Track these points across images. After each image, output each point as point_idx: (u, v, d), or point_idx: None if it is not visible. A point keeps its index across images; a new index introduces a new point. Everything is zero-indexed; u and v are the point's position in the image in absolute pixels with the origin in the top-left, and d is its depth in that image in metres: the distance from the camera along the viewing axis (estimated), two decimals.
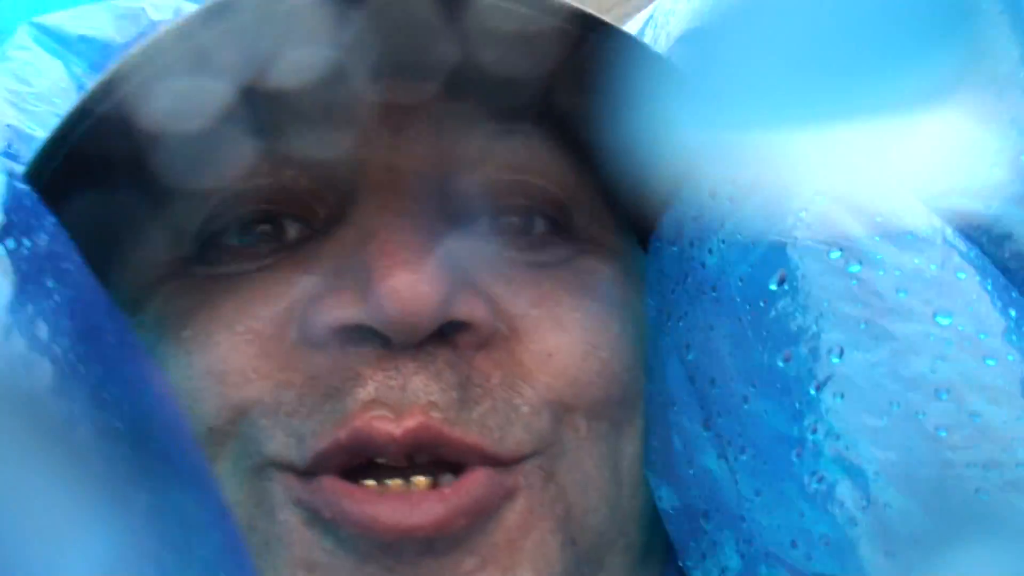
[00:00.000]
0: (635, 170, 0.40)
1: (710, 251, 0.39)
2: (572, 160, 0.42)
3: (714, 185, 0.40)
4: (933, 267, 0.36)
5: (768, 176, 0.39)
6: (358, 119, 0.38)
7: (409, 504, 0.36)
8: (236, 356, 0.37)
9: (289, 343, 0.37)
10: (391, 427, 0.35)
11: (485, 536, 0.36)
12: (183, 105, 0.35)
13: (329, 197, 0.39)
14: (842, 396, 0.35)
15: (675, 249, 0.40)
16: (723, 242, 0.39)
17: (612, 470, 0.40)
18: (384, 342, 0.36)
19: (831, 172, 0.38)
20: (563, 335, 0.39)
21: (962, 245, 0.37)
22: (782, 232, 0.38)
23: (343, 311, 0.36)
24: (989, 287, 0.36)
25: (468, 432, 0.37)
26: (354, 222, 0.39)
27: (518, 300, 0.39)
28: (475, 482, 0.37)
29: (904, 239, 0.37)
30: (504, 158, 0.41)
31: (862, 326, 0.36)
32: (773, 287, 0.37)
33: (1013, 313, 0.36)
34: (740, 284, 0.38)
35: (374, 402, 0.36)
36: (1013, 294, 0.36)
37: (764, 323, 0.37)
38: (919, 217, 0.37)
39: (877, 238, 0.37)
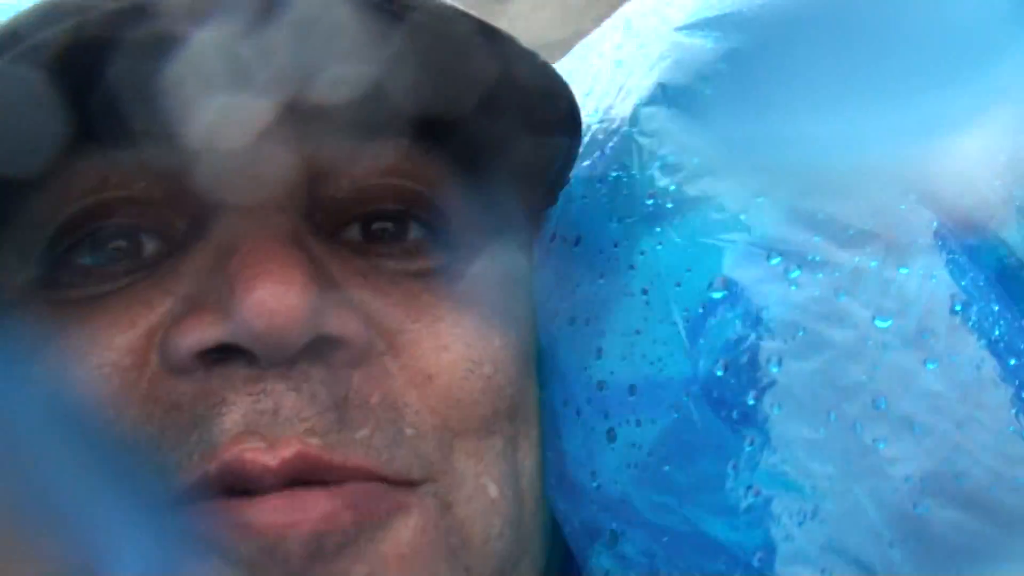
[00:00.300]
0: (517, 170, 0.38)
1: (642, 253, 0.37)
2: (446, 161, 0.39)
3: (653, 187, 0.38)
4: (873, 264, 0.34)
5: (710, 178, 0.38)
6: (216, 124, 0.35)
7: (291, 502, 0.33)
8: (92, 396, 0.35)
9: (151, 372, 0.35)
10: (266, 458, 0.33)
11: (375, 544, 0.34)
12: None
13: (187, 208, 0.37)
14: (780, 407, 0.34)
15: (581, 249, 0.39)
16: (660, 244, 0.38)
17: (514, 489, 0.38)
18: (251, 362, 0.34)
19: (774, 172, 0.37)
20: (443, 354, 0.37)
21: (909, 238, 0.35)
22: (722, 236, 0.37)
23: (205, 332, 0.34)
24: (934, 280, 0.34)
25: (351, 455, 0.34)
26: (214, 235, 0.36)
27: (394, 313, 0.37)
28: (364, 487, 0.34)
29: (845, 235, 0.35)
30: (374, 161, 0.38)
31: (800, 333, 0.34)
32: (715, 295, 0.36)
33: (959, 308, 0.34)
34: (677, 288, 0.37)
35: (244, 433, 0.33)
36: (963, 283, 0.34)
37: (702, 330, 0.36)
38: (865, 212, 0.35)
39: (817, 238, 0.35)
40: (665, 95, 0.40)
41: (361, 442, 0.34)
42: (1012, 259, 0.35)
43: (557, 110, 0.38)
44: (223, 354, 0.34)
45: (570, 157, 0.40)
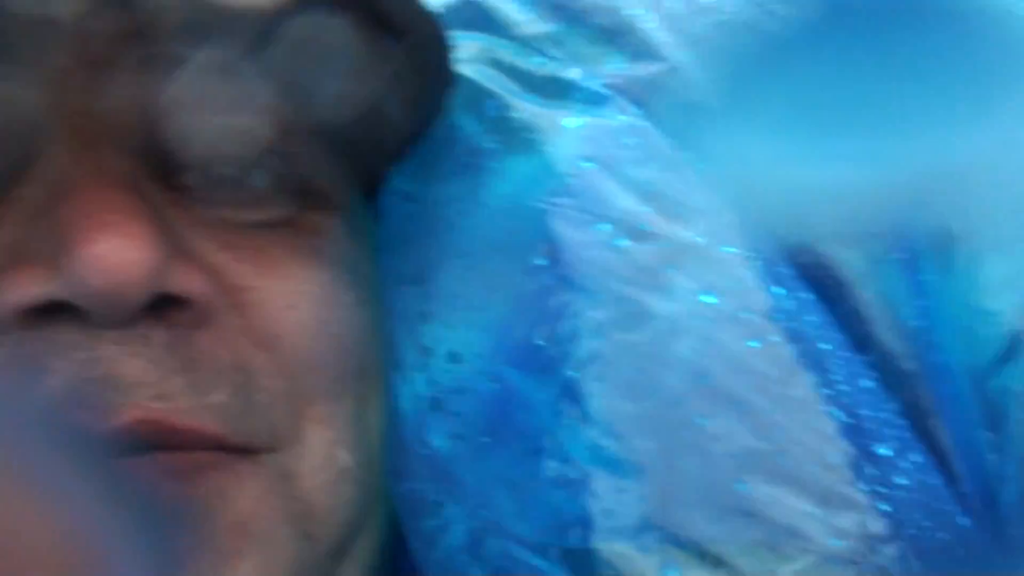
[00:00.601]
0: (367, 116, 0.36)
1: (464, 213, 0.35)
2: (292, 104, 0.36)
3: (476, 142, 0.36)
4: (700, 240, 0.34)
5: (533, 137, 0.36)
6: (47, 49, 0.31)
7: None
8: None
9: None
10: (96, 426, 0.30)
11: (212, 514, 0.32)
12: None
13: (9, 143, 0.33)
14: (602, 379, 0.33)
15: (414, 207, 0.36)
16: (482, 204, 0.35)
17: (367, 452, 0.36)
18: (80, 322, 0.31)
19: (600, 141, 0.35)
20: (291, 313, 0.35)
21: (734, 219, 0.35)
22: (546, 199, 0.35)
23: (33, 287, 0.31)
24: (760, 264, 0.34)
25: (206, 421, 0.32)
26: (43, 176, 0.33)
27: (240, 269, 0.34)
28: (198, 456, 0.32)
29: (675, 210, 0.34)
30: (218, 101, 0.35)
31: (625, 304, 0.33)
32: (538, 260, 0.34)
33: (783, 291, 0.34)
34: (499, 253, 0.35)
35: (65, 403, 0.30)
36: (782, 269, 0.35)
37: (524, 297, 0.34)
38: (696, 191, 0.35)
39: (647, 208, 0.34)
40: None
41: (217, 408, 0.32)
42: (817, 256, 0.36)
43: (425, 61, 0.36)
44: (48, 313, 0.31)
45: (434, 111, 0.37)
